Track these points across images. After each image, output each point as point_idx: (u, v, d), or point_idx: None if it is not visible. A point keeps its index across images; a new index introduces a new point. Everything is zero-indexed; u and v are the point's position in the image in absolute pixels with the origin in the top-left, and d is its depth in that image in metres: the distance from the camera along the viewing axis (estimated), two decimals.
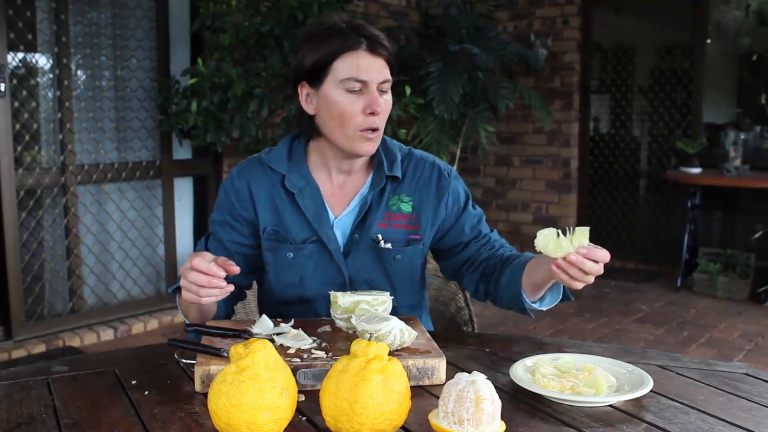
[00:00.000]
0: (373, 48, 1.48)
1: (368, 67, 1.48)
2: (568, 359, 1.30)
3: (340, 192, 1.61)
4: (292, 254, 1.58)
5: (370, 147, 1.52)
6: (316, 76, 1.51)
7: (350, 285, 1.58)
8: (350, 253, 1.58)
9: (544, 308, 1.53)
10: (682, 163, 5.29)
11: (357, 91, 1.48)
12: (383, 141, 1.63)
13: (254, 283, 1.76)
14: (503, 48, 4.87)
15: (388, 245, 1.58)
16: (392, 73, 1.53)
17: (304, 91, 1.55)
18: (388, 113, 1.54)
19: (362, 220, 1.58)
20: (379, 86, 1.49)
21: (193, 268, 1.32)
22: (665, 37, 5.83)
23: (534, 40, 5.78)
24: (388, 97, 1.53)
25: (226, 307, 1.62)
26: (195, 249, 1.66)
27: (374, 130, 1.50)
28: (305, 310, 1.59)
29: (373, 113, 1.48)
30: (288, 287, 1.60)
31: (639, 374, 1.23)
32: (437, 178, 1.63)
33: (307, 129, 1.58)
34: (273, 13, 3.78)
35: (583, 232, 1.29)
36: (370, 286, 1.59)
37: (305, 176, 1.58)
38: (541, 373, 1.24)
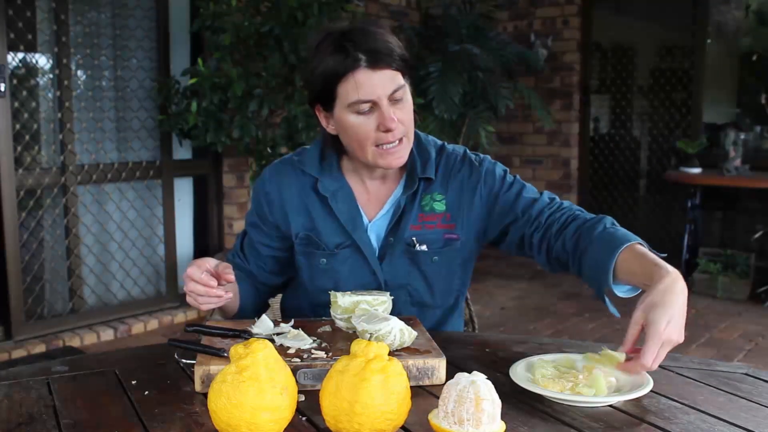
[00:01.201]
0: (375, 62, 1.38)
1: (372, 85, 1.38)
2: (568, 359, 1.30)
3: (374, 195, 1.56)
4: (325, 260, 1.54)
5: (396, 160, 1.46)
6: (326, 100, 1.45)
7: (386, 290, 1.53)
8: (385, 258, 1.54)
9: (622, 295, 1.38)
10: (682, 163, 5.29)
11: (368, 111, 1.41)
12: (418, 139, 1.56)
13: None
14: (503, 48, 4.88)
15: (423, 247, 1.53)
16: (406, 74, 1.44)
17: (321, 114, 1.50)
18: (410, 118, 1.45)
19: (396, 224, 1.53)
20: (390, 97, 1.40)
21: (189, 278, 1.34)
22: (665, 37, 5.84)
23: (534, 40, 5.79)
24: (405, 102, 1.44)
25: (255, 306, 1.61)
26: (234, 245, 1.66)
27: (399, 140, 1.44)
28: None
29: (387, 130, 1.41)
30: (322, 292, 1.54)
31: (639, 374, 1.23)
32: (468, 172, 1.56)
33: (335, 147, 1.54)
34: (273, 13, 3.78)
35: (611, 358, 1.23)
36: (407, 290, 1.55)
37: (338, 179, 1.54)
38: (541, 373, 1.24)
